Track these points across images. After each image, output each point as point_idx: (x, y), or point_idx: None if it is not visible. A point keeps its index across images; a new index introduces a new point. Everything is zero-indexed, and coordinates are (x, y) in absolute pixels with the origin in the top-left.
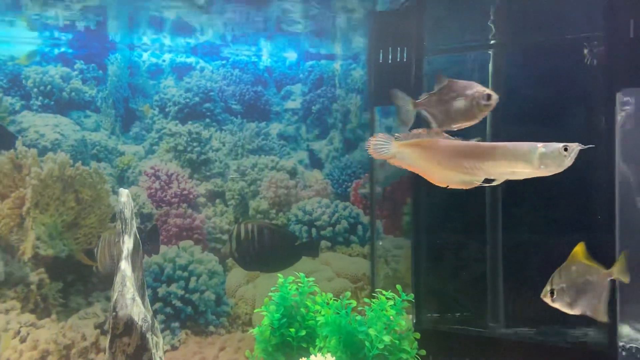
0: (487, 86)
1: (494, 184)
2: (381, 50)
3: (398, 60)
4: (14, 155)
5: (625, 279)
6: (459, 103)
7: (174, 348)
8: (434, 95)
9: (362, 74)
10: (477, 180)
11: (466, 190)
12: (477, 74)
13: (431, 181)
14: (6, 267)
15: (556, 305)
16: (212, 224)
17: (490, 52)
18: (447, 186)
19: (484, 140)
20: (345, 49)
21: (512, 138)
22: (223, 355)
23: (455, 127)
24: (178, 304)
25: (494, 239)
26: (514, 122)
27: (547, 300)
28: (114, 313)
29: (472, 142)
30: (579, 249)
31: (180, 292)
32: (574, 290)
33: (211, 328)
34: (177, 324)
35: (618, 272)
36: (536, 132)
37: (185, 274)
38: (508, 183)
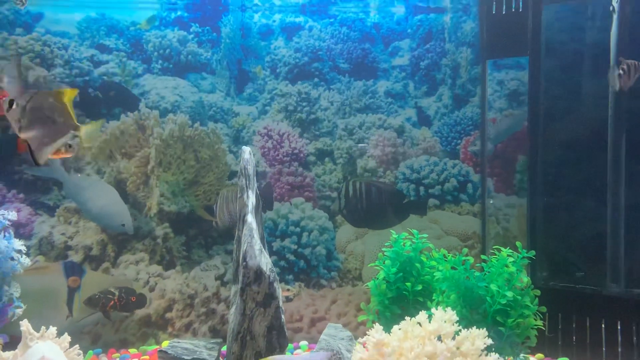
0: (609, 39)
1: None
2: (494, 0)
3: (513, 9)
4: (138, 117)
5: (86, 143)
6: None
7: (288, 300)
8: None
9: (473, 26)
10: None
11: (586, 146)
12: (599, 24)
13: None
14: (135, 222)
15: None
16: (322, 182)
17: None
18: None
19: None
20: (455, 1)
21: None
22: (334, 308)
23: None
24: (292, 257)
25: (616, 196)
26: None
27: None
28: (244, 263)
29: None
30: (68, 94)
31: (294, 247)
32: (34, 117)
33: (323, 281)
34: (291, 277)
35: (85, 132)
36: None
37: (298, 229)
38: (631, 138)
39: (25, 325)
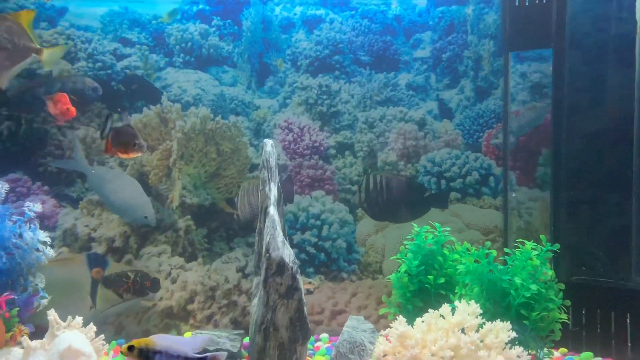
0: (635, 31)
1: None
2: None
3: (537, 1)
4: (160, 110)
5: (47, 67)
6: None
7: (309, 292)
8: None
9: (496, 18)
10: None
11: (611, 139)
12: (625, 15)
13: None
14: (157, 214)
15: None
16: (342, 175)
17: None
18: None
19: None
20: None
21: None
22: (355, 301)
23: None
24: (312, 250)
25: None
26: None
27: None
28: (267, 254)
29: None
30: (24, 16)
31: (314, 240)
32: None
33: (343, 274)
34: (311, 270)
35: (47, 55)
36: None
37: (318, 222)
38: None
39: (52, 315)
